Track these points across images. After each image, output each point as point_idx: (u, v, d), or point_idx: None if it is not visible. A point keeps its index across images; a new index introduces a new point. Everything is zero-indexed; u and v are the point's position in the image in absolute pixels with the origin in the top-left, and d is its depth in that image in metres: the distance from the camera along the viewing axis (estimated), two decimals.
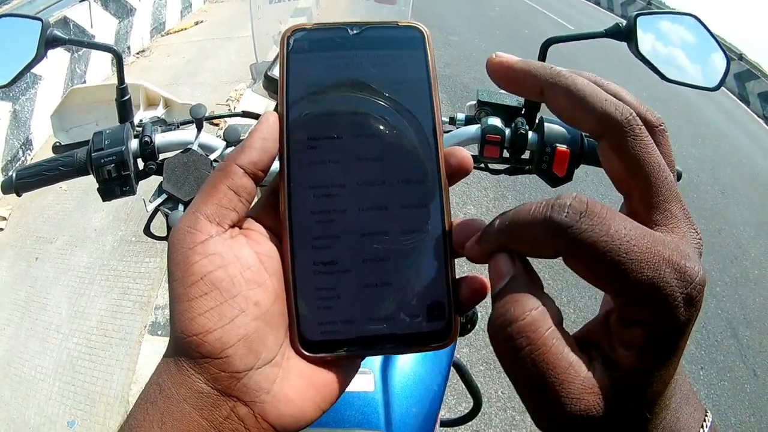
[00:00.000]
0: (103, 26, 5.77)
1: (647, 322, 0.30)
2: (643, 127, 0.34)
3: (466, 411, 1.37)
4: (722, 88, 1.10)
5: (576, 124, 0.36)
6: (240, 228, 0.41)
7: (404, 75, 0.42)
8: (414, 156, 0.41)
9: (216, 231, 0.38)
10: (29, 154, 4.37)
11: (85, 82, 5.25)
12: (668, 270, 0.30)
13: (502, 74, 0.39)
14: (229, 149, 0.92)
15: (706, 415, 0.36)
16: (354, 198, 0.40)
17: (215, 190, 0.39)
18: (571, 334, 0.34)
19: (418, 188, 0.41)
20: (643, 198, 0.34)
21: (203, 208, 0.39)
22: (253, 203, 0.43)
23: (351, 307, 0.40)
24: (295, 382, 0.38)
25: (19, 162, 4.20)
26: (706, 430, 0.35)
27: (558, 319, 0.32)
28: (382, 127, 0.41)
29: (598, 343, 0.34)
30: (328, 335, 0.39)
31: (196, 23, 7.80)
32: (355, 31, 0.43)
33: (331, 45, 0.43)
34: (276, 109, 0.43)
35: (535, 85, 0.37)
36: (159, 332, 2.88)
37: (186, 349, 0.36)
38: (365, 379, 1.01)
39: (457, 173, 0.42)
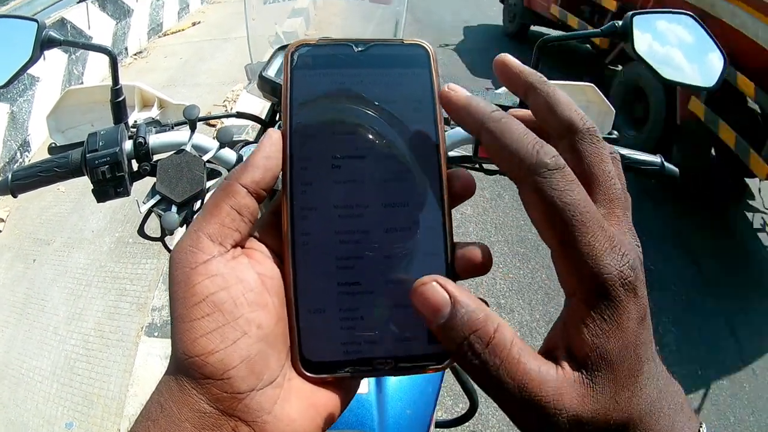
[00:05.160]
0: (100, 27, 5.77)
1: (585, 290, 0.34)
2: (601, 140, 0.39)
3: (464, 411, 1.37)
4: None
5: (546, 124, 0.41)
6: (242, 247, 0.41)
7: (408, 94, 0.42)
8: (417, 177, 0.41)
9: (218, 251, 0.38)
10: (27, 156, 4.38)
11: (82, 83, 5.25)
12: (606, 244, 0.34)
13: (502, 70, 0.42)
14: (222, 150, 0.92)
15: (701, 427, 0.37)
16: (356, 219, 0.40)
17: (218, 209, 0.39)
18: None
19: (420, 210, 0.40)
20: (590, 195, 0.37)
21: (205, 228, 0.39)
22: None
23: (353, 329, 0.39)
24: (296, 402, 0.38)
25: (17, 164, 4.20)
26: None
27: (513, 332, 0.34)
28: (385, 148, 0.41)
29: (559, 345, 0.36)
30: (330, 356, 0.39)
31: (194, 24, 7.81)
32: (359, 49, 0.43)
33: (335, 62, 0.42)
34: (276, 121, 0.42)
35: (524, 85, 0.41)
36: (156, 334, 2.89)
37: (188, 369, 0.36)
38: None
39: (461, 196, 0.42)
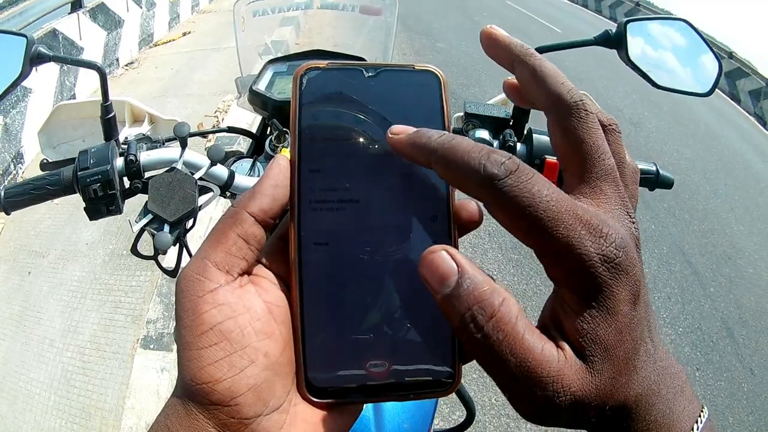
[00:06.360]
0: (91, 38, 5.76)
1: (570, 279, 0.33)
2: (591, 113, 0.37)
3: (461, 419, 1.36)
4: None
5: (532, 97, 0.41)
6: (249, 274, 0.41)
7: (419, 121, 0.41)
8: (425, 207, 0.41)
9: (225, 279, 0.38)
10: (21, 168, 4.36)
11: (74, 94, 5.24)
12: (582, 230, 0.32)
13: (488, 43, 0.42)
14: (214, 167, 0.91)
15: (702, 410, 0.37)
16: (364, 249, 0.40)
17: (225, 237, 0.39)
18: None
19: (427, 239, 0.40)
20: (577, 173, 0.37)
21: (212, 255, 0.39)
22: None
23: (358, 354, 0.40)
24: (301, 427, 0.39)
25: (11, 176, 4.20)
26: (700, 426, 0.36)
27: (519, 308, 0.33)
28: (394, 178, 0.41)
29: (552, 326, 0.35)
30: (335, 382, 0.39)
31: (184, 34, 7.81)
32: (370, 74, 0.42)
33: (344, 87, 0.42)
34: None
35: (509, 58, 0.41)
36: (151, 346, 2.88)
37: (195, 395, 0.36)
38: None
39: (467, 226, 0.42)
